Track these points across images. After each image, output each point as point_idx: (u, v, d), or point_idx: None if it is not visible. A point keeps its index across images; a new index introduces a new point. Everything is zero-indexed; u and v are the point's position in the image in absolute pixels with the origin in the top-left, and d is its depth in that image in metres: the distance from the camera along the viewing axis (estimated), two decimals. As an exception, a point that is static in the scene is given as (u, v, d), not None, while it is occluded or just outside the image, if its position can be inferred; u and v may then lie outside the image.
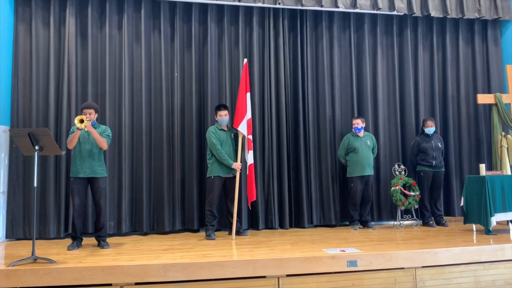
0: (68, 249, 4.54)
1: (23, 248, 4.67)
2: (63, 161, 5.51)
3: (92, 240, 4.95)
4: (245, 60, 5.62)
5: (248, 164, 5.42)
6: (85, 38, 5.76)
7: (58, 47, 5.71)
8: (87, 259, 4.01)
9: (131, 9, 5.94)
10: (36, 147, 4.06)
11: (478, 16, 6.79)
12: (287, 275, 3.87)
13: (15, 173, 5.43)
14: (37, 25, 5.66)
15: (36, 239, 4.20)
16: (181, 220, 5.82)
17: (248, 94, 5.49)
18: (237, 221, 5.36)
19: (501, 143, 6.41)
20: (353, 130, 6.05)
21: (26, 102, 5.55)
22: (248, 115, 5.42)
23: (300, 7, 6.17)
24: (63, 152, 4.96)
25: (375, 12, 6.43)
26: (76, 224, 4.67)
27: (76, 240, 4.69)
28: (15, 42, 5.60)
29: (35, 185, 4.05)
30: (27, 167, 5.43)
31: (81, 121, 4.37)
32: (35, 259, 3.88)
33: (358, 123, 6.02)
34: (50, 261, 3.82)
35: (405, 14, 6.61)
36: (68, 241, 4.90)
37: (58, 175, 5.52)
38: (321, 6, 6.17)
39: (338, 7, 6.21)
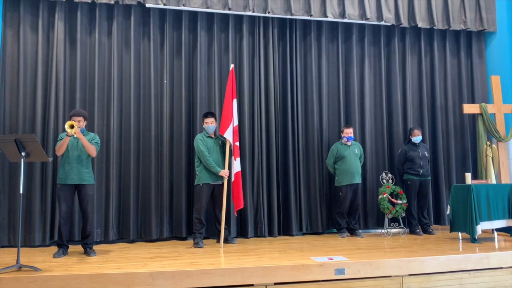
0: (54, 257, 4.49)
1: (8, 256, 4.60)
2: (49, 168, 5.45)
3: (79, 248, 4.90)
4: (232, 66, 5.64)
5: (234, 171, 5.42)
6: (74, 43, 5.74)
7: (46, 53, 5.67)
8: (73, 267, 3.96)
9: (121, 15, 5.94)
10: (23, 154, 4.03)
11: (464, 28, 6.93)
12: (275, 283, 3.87)
13: (1, 180, 5.36)
14: (25, 30, 5.62)
15: (21, 246, 4.14)
16: (169, 228, 5.79)
17: (235, 101, 5.50)
18: (225, 228, 5.35)
19: (486, 152, 6.51)
20: (344, 139, 6.06)
21: (13, 108, 5.50)
22: (235, 122, 5.43)
23: (289, 16, 6.23)
24: (50, 159, 4.92)
25: (363, 22, 6.52)
26: (62, 231, 4.62)
27: (62, 247, 4.63)
28: (3, 47, 5.56)
29: (21, 192, 4.00)
30: (13, 173, 5.37)
31: (71, 126, 4.35)
32: (19, 267, 3.83)
33: (351, 132, 6.07)
34: (35, 269, 3.77)
35: (392, 25, 6.72)
36: (54, 248, 4.85)
37: (44, 182, 5.46)
38: (310, 15, 6.24)
39: (327, 16, 6.29)
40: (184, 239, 5.78)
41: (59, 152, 4.60)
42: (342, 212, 6.03)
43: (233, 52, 6.24)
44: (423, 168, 6.12)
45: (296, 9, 6.22)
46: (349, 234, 6.06)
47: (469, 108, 6.63)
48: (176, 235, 5.79)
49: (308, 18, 6.31)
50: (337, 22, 6.63)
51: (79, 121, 4.62)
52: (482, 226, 5.26)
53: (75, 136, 4.48)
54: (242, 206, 5.48)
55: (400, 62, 6.93)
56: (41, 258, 4.50)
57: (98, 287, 3.61)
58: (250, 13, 6.10)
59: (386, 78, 6.86)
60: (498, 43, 7.12)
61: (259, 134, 6.16)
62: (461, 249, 4.74)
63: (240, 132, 5.91)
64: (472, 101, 7.06)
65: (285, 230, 6.16)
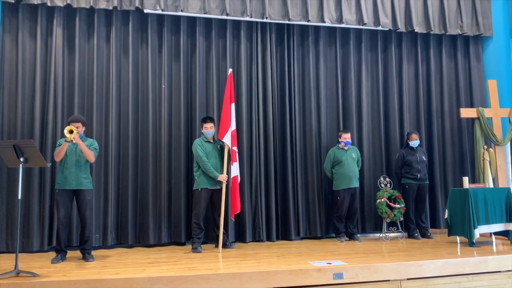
0: (52, 262, 4.49)
1: (6, 262, 4.59)
2: (47, 173, 5.45)
3: (77, 253, 4.90)
4: (230, 70, 5.66)
5: (232, 176, 5.43)
6: (73, 49, 5.75)
7: (45, 58, 5.68)
8: (71, 273, 3.96)
9: (119, 21, 5.96)
10: (21, 159, 4.03)
11: (460, 33, 6.97)
12: (274, 288, 3.87)
13: (-1, 185, 5.37)
14: (24, 36, 5.63)
15: (19, 252, 4.13)
16: (168, 233, 5.78)
17: (233, 105, 5.52)
18: (223, 233, 5.35)
19: (483, 156, 6.53)
20: (342, 143, 6.06)
21: (12, 114, 5.50)
22: (233, 126, 5.44)
23: (287, 22, 6.26)
24: (49, 164, 4.92)
25: (360, 27, 6.55)
26: (60, 237, 4.61)
27: (60, 253, 4.63)
28: (1, 53, 5.56)
29: (19, 197, 4.00)
30: (11, 178, 5.36)
31: (70, 131, 4.37)
32: (18, 273, 3.83)
33: (349, 137, 6.09)
34: (34, 275, 3.77)
35: (389, 30, 6.75)
36: (52, 254, 4.84)
37: (43, 187, 5.45)
38: (308, 21, 6.27)
39: (324, 21, 6.32)
40: (183, 244, 5.77)
41: (57, 158, 4.61)
42: (340, 216, 6.03)
43: (231, 57, 6.26)
44: (421, 172, 6.14)
45: (294, 14, 6.25)
46: (347, 239, 6.06)
47: (466, 112, 6.66)
48: (175, 240, 5.78)
49: (306, 23, 6.34)
50: (334, 27, 6.67)
51: (77, 127, 4.61)
52: (480, 230, 5.27)
53: (74, 141, 4.49)
54: (238, 211, 5.49)
55: (397, 67, 6.96)
56: (39, 263, 4.49)
57: (96, 293, 3.61)
58: (248, 18, 6.13)
59: (383, 83, 6.89)
60: (494, 48, 7.15)
61: (257, 138, 6.17)
62: (459, 253, 4.75)
63: (238, 136, 5.92)
64: (470, 105, 7.08)
65: (284, 235, 6.16)
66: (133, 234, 5.68)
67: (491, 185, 6.35)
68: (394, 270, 4.11)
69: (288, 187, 6.19)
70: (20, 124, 5.49)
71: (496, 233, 5.56)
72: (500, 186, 6.39)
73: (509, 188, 5.57)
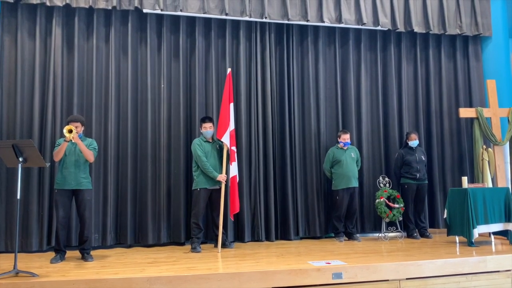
0: (51, 262, 4.48)
1: (5, 262, 4.59)
2: (46, 173, 5.44)
3: (76, 253, 4.89)
4: (229, 69, 5.65)
5: (230, 176, 5.42)
6: (72, 49, 5.75)
7: (44, 58, 5.68)
8: (70, 273, 3.96)
9: (119, 21, 5.96)
10: (20, 159, 4.03)
11: (459, 32, 6.97)
12: (273, 288, 3.87)
13: (-2, 185, 5.36)
14: (23, 36, 5.63)
15: (18, 252, 4.13)
16: (167, 233, 5.78)
17: (232, 105, 5.52)
18: (223, 233, 5.35)
19: (482, 156, 6.54)
20: (341, 143, 6.06)
21: (11, 114, 5.49)
22: (232, 126, 5.44)
23: (286, 22, 6.27)
24: (48, 164, 4.92)
25: (359, 27, 6.55)
26: (59, 237, 4.61)
27: (60, 253, 4.62)
28: (0, 53, 5.55)
29: (18, 197, 4.00)
30: (10, 178, 5.36)
31: (70, 131, 4.36)
32: (17, 273, 3.82)
33: (348, 137, 6.09)
34: (33, 275, 3.77)
35: (389, 30, 6.75)
36: (51, 254, 4.83)
37: (42, 187, 5.45)
38: (307, 20, 6.27)
39: (323, 21, 6.32)
40: (182, 244, 5.77)
41: (57, 158, 4.60)
42: (339, 216, 6.04)
43: (230, 57, 6.26)
44: (420, 172, 6.14)
45: (293, 14, 6.25)
46: (346, 238, 6.06)
47: (465, 112, 6.66)
48: (174, 240, 5.78)
49: (305, 23, 6.34)
50: (334, 27, 6.67)
51: (76, 127, 4.61)
52: (479, 230, 5.28)
53: (73, 141, 4.49)
54: (237, 211, 5.49)
55: (396, 67, 6.96)
56: (38, 263, 4.49)
57: (95, 293, 3.61)
58: (247, 18, 6.13)
59: (382, 83, 6.89)
60: (493, 48, 7.16)
61: (256, 138, 6.17)
62: (458, 253, 4.75)
63: (237, 136, 5.93)
64: (470, 105, 7.08)
65: (283, 235, 6.17)
66: (132, 234, 5.68)
67: (490, 185, 6.36)
68: (393, 270, 4.11)
69: (287, 187, 6.19)
70: (19, 124, 5.48)
71: (495, 233, 5.56)
72: (499, 186, 6.41)
73: (508, 188, 5.58)
